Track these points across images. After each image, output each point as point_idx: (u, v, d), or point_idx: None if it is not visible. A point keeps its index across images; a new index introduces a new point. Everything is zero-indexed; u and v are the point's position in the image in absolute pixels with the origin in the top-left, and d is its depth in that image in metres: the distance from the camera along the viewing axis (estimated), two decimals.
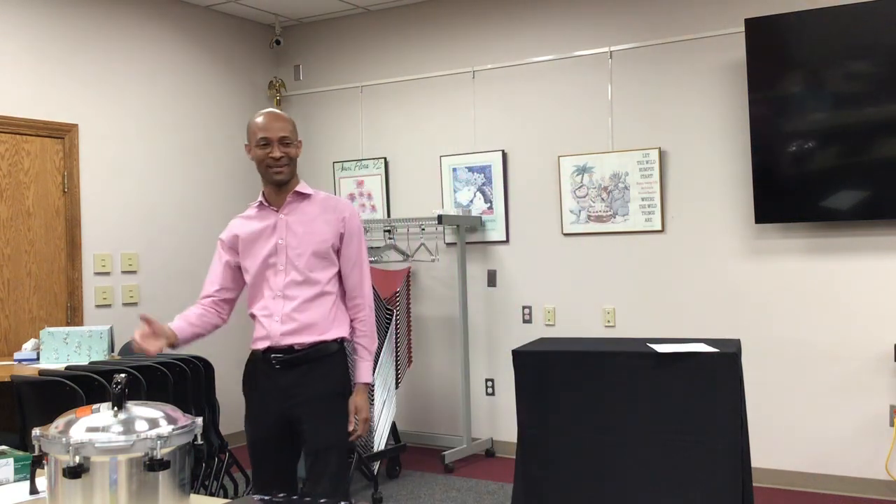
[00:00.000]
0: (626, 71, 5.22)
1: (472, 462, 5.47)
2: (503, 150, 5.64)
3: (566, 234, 5.42)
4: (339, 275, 2.87)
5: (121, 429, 1.58)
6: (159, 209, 5.68)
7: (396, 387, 5.24)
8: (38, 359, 4.46)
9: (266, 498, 1.61)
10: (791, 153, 4.64)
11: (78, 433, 1.57)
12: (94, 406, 1.67)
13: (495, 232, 5.68)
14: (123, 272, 5.44)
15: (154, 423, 1.62)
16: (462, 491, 4.85)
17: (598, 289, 5.33)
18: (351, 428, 2.81)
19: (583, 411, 3.20)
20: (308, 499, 1.60)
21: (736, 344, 3.26)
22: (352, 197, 6.21)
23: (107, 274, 5.34)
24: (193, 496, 1.77)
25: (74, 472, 1.53)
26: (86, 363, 4.06)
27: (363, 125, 6.21)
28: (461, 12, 5.82)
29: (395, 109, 6.10)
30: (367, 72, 6.20)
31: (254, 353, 2.92)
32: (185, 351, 4.88)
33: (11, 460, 2.05)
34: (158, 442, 1.57)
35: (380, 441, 5.00)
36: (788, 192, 4.68)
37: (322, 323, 2.79)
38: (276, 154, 2.75)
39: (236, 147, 6.27)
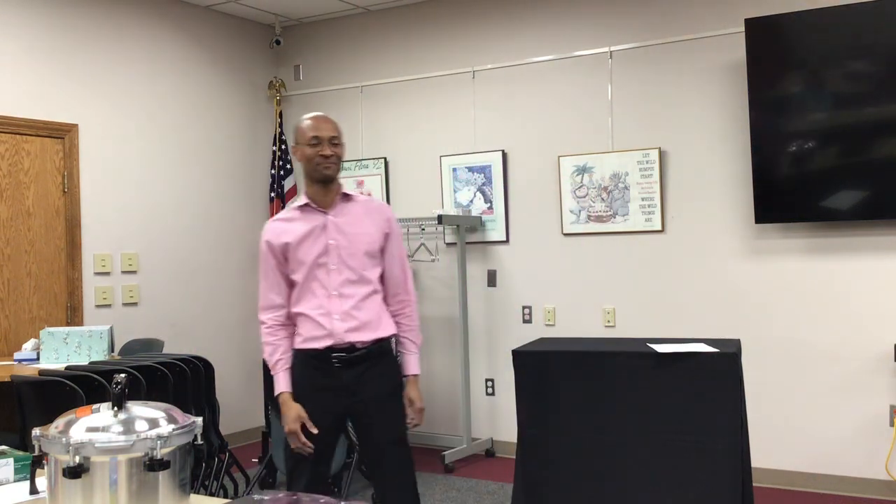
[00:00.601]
0: (626, 71, 5.22)
1: (472, 462, 5.47)
2: (503, 150, 5.64)
3: (566, 234, 5.43)
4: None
5: (121, 429, 1.58)
6: (159, 209, 5.68)
7: None
8: (38, 359, 4.46)
9: (266, 498, 1.61)
10: (791, 153, 4.64)
11: (78, 433, 1.57)
12: (94, 406, 1.66)
13: (495, 232, 5.68)
14: (123, 272, 5.44)
15: (154, 423, 1.62)
16: (462, 491, 4.85)
17: (598, 289, 5.33)
18: (409, 419, 2.96)
19: (583, 411, 3.20)
20: (308, 498, 1.60)
21: (736, 344, 3.26)
22: None
23: (107, 274, 5.34)
24: (193, 496, 1.77)
25: (74, 472, 1.53)
26: (86, 363, 4.06)
27: (363, 125, 6.21)
28: (461, 12, 5.82)
29: (395, 109, 6.10)
30: (367, 72, 6.20)
31: (306, 352, 2.90)
32: (185, 351, 4.89)
33: (11, 460, 2.05)
34: (158, 442, 1.57)
35: None
36: (788, 192, 4.68)
37: (376, 320, 2.91)
38: (327, 152, 2.87)
39: (236, 147, 6.28)
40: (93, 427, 1.58)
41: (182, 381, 4.00)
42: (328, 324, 2.85)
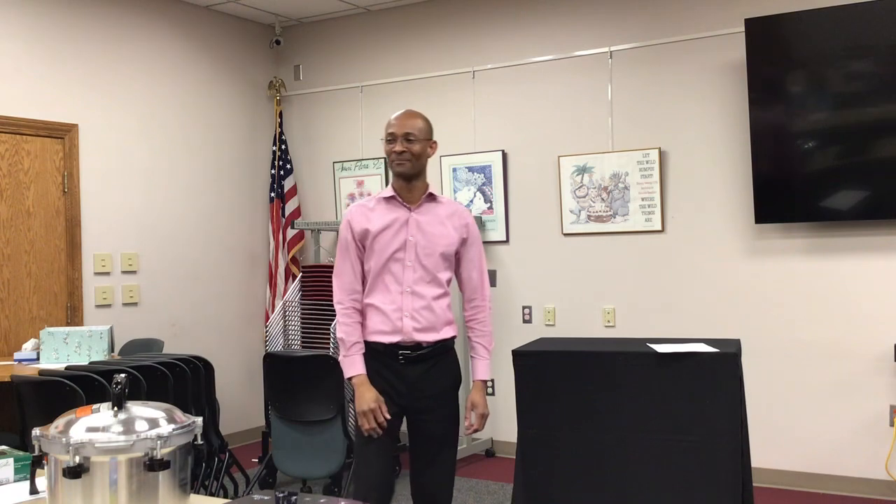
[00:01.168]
0: (626, 71, 5.22)
1: (472, 462, 5.47)
2: (503, 150, 5.64)
3: (566, 234, 5.43)
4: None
5: (121, 429, 1.58)
6: (159, 209, 5.68)
7: None
8: (38, 359, 4.46)
9: (266, 498, 1.61)
10: (791, 153, 4.64)
11: (78, 433, 1.57)
12: (94, 406, 1.66)
13: (495, 232, 5.68)
14: (123, 272, 5.44)
15: (154, 423, 1.62)
16: (462, 491, 4.85)
17: (597, 289, 5.33)
18: (468, 423, 2.99)
19: (583, 411, 3.20)
20: (308, 498, 1.60)
21: (736, 344, 3.26)
22: (352, 197, 6.21)
23: (107, 274, 5.34)
24: (193, 496, 1.77)
25: (74, 472, 1.53)
26: (86, 363, 4.06)
27: (363, 125, 6.21)
28: (461, 12, 5.82)
29: (394, 109, 6.02)
30: (367, 72, 6.20)
31: (372, 345, 2.91)
32: (185, 351, 4.89)
33: (11, 460, 2.05)
34: (158, 442, 1.57)
35: None
36: (788, 191, 4.68)
37: (443, 321, 2.93)
38: (398, 148, 2.91)
39: (236, 147, 6.28)
40: (93, 427, 1.58)
41: (182, 381, 4.00)
42: (398, 320, 2.86)
